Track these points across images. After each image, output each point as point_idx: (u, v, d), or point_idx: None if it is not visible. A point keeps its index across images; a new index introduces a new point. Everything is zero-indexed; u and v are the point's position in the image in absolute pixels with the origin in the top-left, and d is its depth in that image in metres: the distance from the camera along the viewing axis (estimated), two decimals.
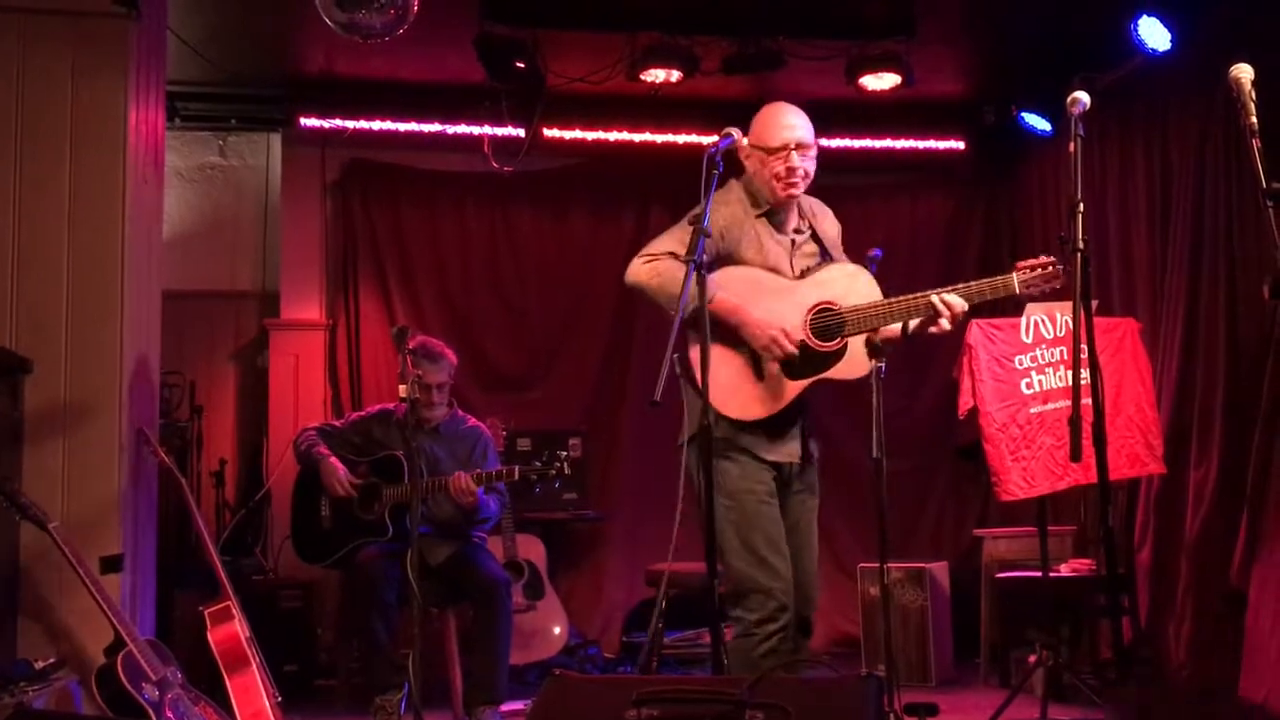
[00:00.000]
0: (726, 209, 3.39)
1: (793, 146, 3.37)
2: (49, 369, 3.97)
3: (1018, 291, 3.32)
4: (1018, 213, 6.87)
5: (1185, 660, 4.89)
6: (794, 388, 3.33)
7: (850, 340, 3.34)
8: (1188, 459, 5.01)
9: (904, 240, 6.84)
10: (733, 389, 3.31)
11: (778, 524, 3.32)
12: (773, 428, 3.35)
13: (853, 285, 3.41)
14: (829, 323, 3.34)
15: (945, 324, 3.30)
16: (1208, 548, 4.87)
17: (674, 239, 3.34)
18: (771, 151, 3.38)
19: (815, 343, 3.32)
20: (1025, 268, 3.31)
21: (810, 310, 3.34)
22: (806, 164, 3.40)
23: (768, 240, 3.43)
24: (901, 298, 3.34)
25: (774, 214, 3.46)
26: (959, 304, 3.30)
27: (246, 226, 6.72)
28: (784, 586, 3.26)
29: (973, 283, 3.36)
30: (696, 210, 3.16)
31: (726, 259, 3.38)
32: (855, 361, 3.36)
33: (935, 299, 3.30)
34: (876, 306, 3.35)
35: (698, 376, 3.10)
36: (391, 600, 4.57)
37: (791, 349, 3.28)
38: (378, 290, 6.59)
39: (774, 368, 3.32)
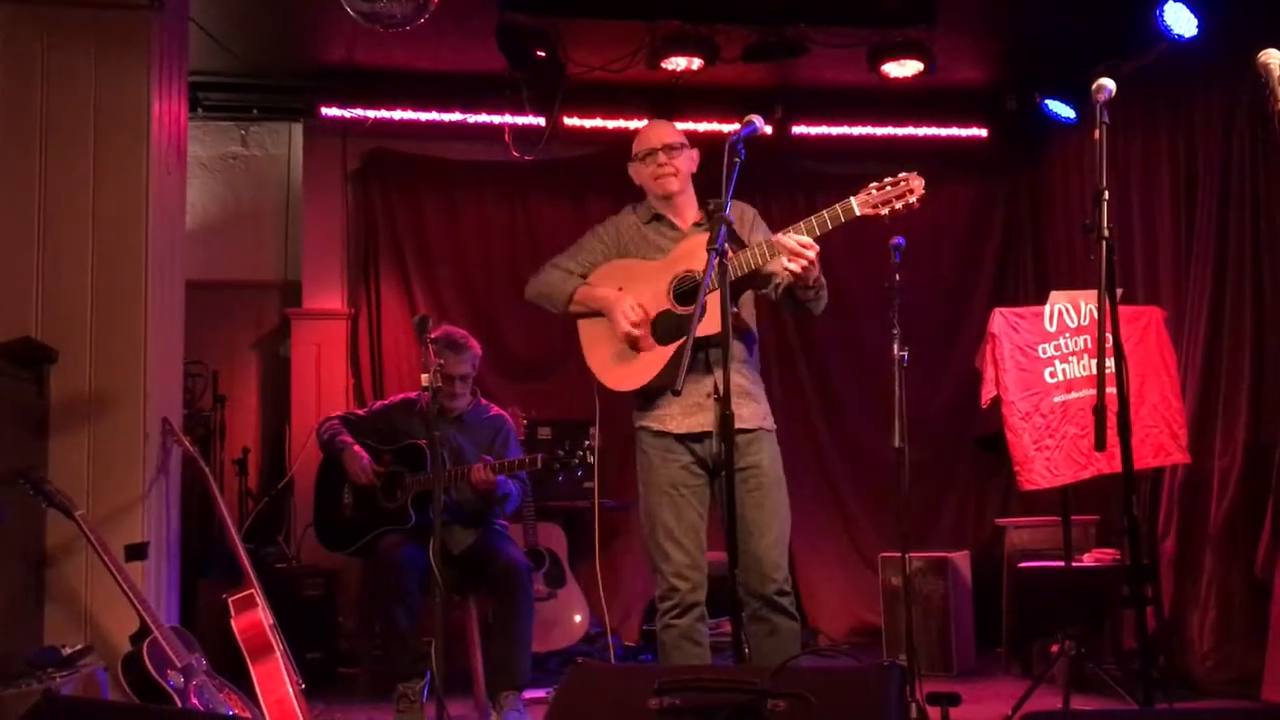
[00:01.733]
0: (615, 226, 3.83)
1: (659, 148, 3.71)
2: (74, 359, 4.00)
3: (858, 213, 3.33)
4: (1040, 200, 6.83)
5: (1209, 651, 4.86)
6: (664, 353, 3.55)
7: (709, 299, 3.29)
8: (1212, 448, 4.97)
9: (926, 228, 6.80)
10: (612, 364, 3.62)
11: (678, 513, 3.52)
12: (680, 400, 3.45)
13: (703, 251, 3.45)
14: (687, 287, 3.54)
15: (791, 265, 3.31)
16: (1232, 538, 4.84)
17: (566, 254, 3.83)
18: (642, 158, 3.75)
19: (677, 308, 3.54)
20: (868, 190, 3.34)
21: (673, 280, 3.57)
22: (676, 161, 3.71)
23: (654, 236, 3.73)
24: (745, 249, 3.45)
25: (662, 217, 3.75)
26: (791, 241, 3.31)
27: (268, 216, 6.75)
28: (674, 569, 3.49)
29: (811, 215, 3.38)
30: (599, 226, 3.81)
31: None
32: (711, 319, 3.33)
33: (770, 240, 3.40)
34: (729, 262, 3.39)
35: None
36: (414, 588, 4.58)
37: (631, 320, 3.54)
38: (399, 279, 6.60)
39: (648, 341, 3.57)
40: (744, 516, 3.47)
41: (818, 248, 3.33)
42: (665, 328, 3.57)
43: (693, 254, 3.53)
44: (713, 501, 3.61)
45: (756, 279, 3.55)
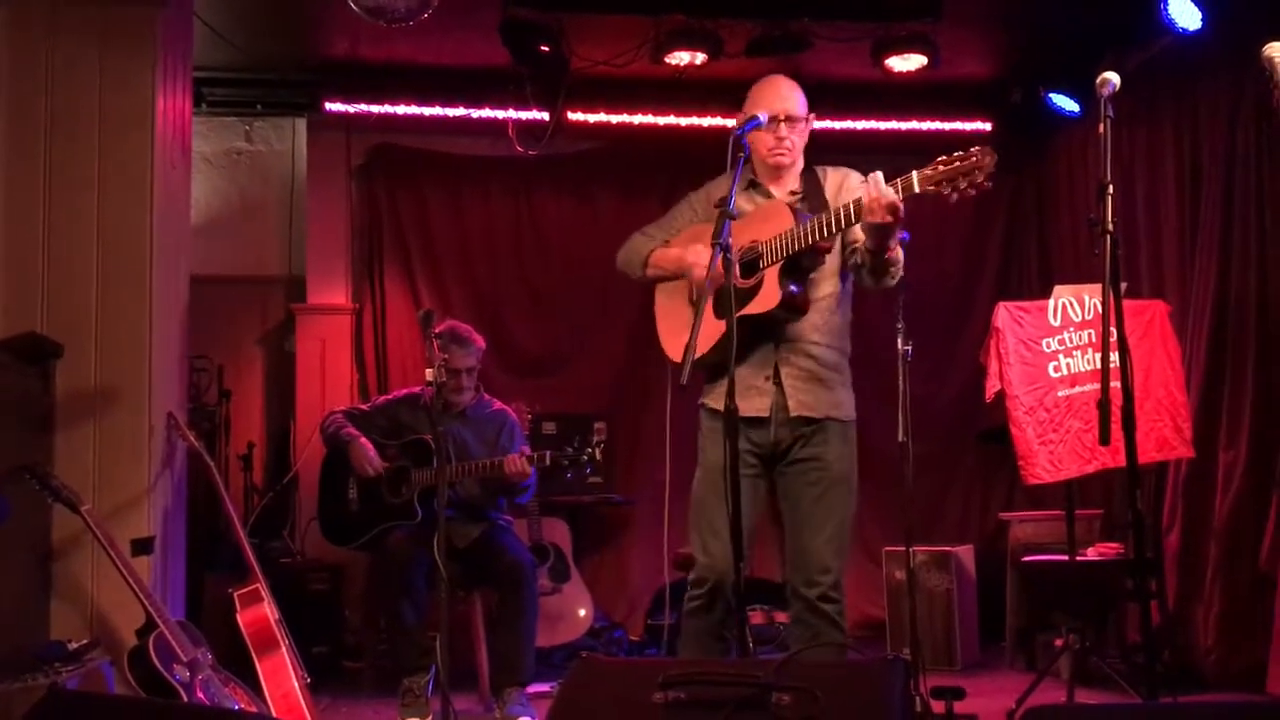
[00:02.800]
0: (708, 191, 3.55)
1: (781, 117, 3.42)
2: (79, 354, 4.01)
3: (916, 190, 3.03)
4: (1045, 194, 6.82)
5: (1213, 645, 4.86)
6: (719, 327, 3.22)
7: (766, 274, 3.25)
8: (1217, 442, 4.96)
9: (930, 221, 6.79)
10: (674, 333, 3.40)
11: (719, 507, 3.12)
12: (739, 380, 3.11)
13: (776, 219, 3.30)
14: (749, 259, 3.31)
15: (878, 217, 3.04)
16: (1237, 532, 4.84)
17: (656, 222, 3.67)
18: (764, 124, 3.40)
19: (740, 281, 3.25)
20: (934, 164, 3.04)
21: (739, 250, 3.28)
22: (794, 136, 3.45)
23: (741, 201, 3.41)
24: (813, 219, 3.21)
25: (758, 185, 3.51)
26: (879, 193, 3.04)
27: (273, 211, 6.76)
28: (709, 560, 3.30)
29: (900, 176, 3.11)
30: (691, 194, 3.51)
31: None
32: (766, 294, 3.26)
33: (840, 207, 3.17)
34: (787, 233, 3.23)
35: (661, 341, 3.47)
36: (419, 583, 4.59)
37: (701, 272, 3.26)
38: (403, 274, 6.61)
39: (709, 312, 3.27)
40: (799, 510, 3.35)
41: (900, 204, 3.05)
42: (723, 300, 3.23)
43: (767, 219, 3.31)
44: (770, 494, 3.44)
45: (833, 247, 3.33)
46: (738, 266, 3.25)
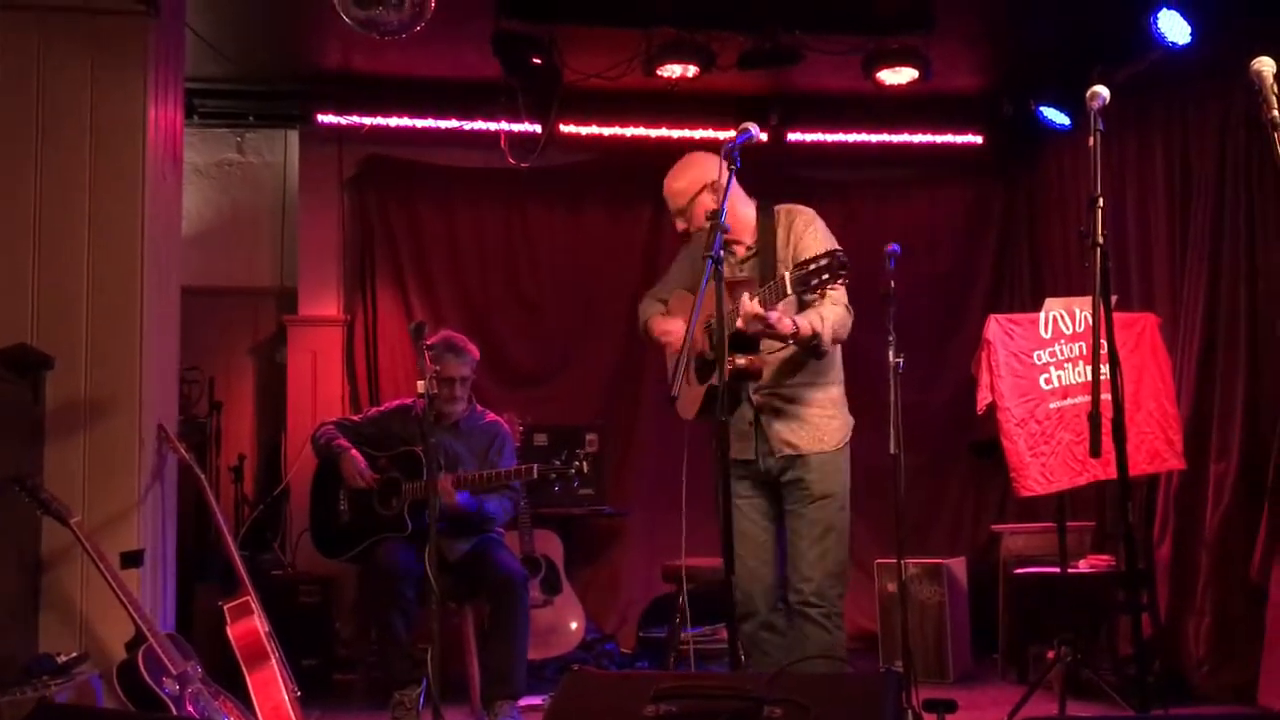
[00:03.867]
0: (695, 244, 3.69)
1: (672, 211, 3.80)
2: (70, 365, 4.00)
3: (790, 293, 3.30)
4: (1036, 207, 6.84)
5: (1204, 656, 4.87)
6: (698, 393, 3.67)
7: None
8: (1208, 454, 4.98)
9: (922, 235, 6.82)
10: (679, 393, 3.55)
11: (739, 526, 3.55)
12: (733, 426, 3.55)
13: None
14: (700, 349, 3.63)
15: (753, 327, 3.35)
16: (1228, 543, 4.84)
17: (659, 283, 4.01)
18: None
19: (708, 351, 3.58)
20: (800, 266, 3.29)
21: (707, 322, 3.50)
22: (687, 215, 3.75)
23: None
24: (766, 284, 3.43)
25: (726, 244, 3.66)
26: (745, 309, 3.33)
27: (264, 223, 6.75)
28: (736, 580, 3.36)
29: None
30: (683, 248, 3.76)
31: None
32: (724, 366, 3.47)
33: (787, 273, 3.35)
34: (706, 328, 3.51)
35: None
36: (410, 596, 4.58)
37: (676, 347, 3.59)
38: (395, 286, 6.61)
39: (690, 377, 3.66)
40: (789, 528, 3.67)
41: (768, 316, 3.32)
42: (700, 366, 3.67)
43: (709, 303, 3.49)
44: (779, 515, 3.71)
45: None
46: (691, 367, 3.64)
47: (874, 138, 6.54)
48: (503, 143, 6.31)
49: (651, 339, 3.92)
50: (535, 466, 4.73)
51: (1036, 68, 5.98)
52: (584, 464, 4.73)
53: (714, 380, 3.47)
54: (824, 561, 3.60)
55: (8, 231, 4.02)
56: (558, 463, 4.74)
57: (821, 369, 3.68)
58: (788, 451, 3.61)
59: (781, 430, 3.62)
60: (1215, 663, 4.83)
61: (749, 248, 3.73)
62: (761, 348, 3.58)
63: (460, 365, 4.85)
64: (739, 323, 3.35)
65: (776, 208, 3.75)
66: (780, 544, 3.69)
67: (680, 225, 3.80)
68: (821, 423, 3.66)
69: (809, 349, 3.56)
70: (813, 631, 3.56)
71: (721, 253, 3.18)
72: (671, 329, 3.78)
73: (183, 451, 4.24)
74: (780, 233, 3.69)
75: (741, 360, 3.53)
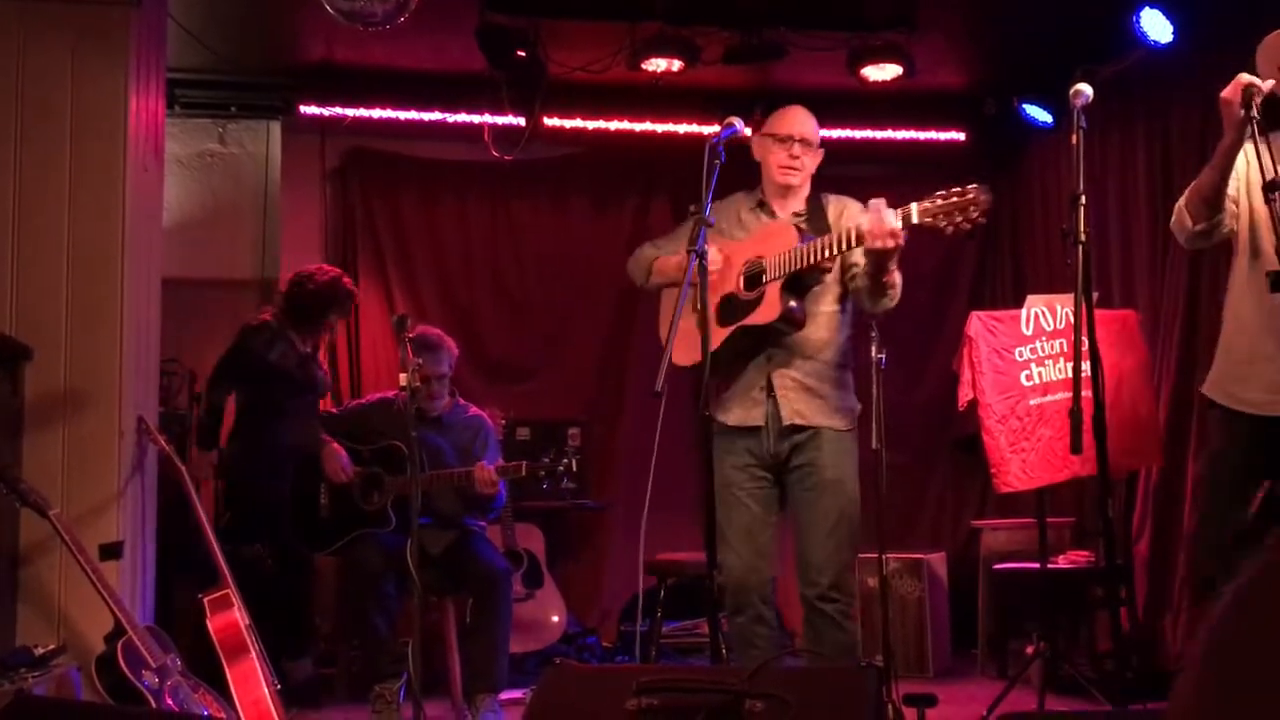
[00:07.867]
0: (717, 208, 3.54)
1: (796, 138, 3.65)
2: (49, 356, 3.97)
3: (915, 221, 3.16)
4: (1018, 204, 6.86)
5: (1182, 652, 4.90)
6: (719, 334, 3.46)
7: (769, 288, 3.43)
8: (1186, 451, 5.01)
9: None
10: (683, 338, 3.34)
11: (729, 514, 3.47)
12: (735, 391, 3.54)
13: (781, 237, 3.50)
14: (754, 272, 3.52)
15: (880, 242, 3.18)
16: None
17: (665, 235, 3.89)
18: (778, 140, 3.66)
19: (741, 292, 3.51)
20: (932, 198, 3.15)
21: (744, 264, 3.54)
22: (806, 158, 3.67)
23: (747, 216, 3.72)
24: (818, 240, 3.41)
25: (766, 204, 3.71)
26: (881, 220, 3.17)
27: (246, 214, 6.70)
28: (725, 572, 3.39)
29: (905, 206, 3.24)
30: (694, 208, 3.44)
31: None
32: (767, 307, 3.45)
33: (844, 231, 3.33)
34: (792, 251, 3.42)
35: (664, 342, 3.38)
36: (391, 590, 4.57)
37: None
38: (377, 278, 6.58)
39: (714, 320, 3.45)
40: (799, 515, 3.54)
41: (900, 232, 3.18)
42: (726, 311, 3.54)
43: (772, 236, 3.53)
44: (781, 502, 3.60)
45: (834, 267, 3.53)
46: (742, 280, 3.53)
47: (857, 134, 6.54)
48: (486, 136, 6.30)
49: (661, 276, 3.74)
50: (524, 464, 4.72)
51: (1020, 66, 6.01)
52: (573, 463, 4.75)
53: (748, 320, 3.40)
54: (840, 553, 3.52)
55: None
56: (547, 459, 4.74)
57: (844, 349, 3.64)
58: (798, 421, 3.49)
59: (795, 399, 3.50)
60: None
61: (797, 213, 3.66)
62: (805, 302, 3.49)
63: (438, 363, 4.83)
64: (869, 239, 3.16)
65: (824, 194, 3.74)
66: (781, 538, 3.61)
67: (793, 157, 3.63)
68: (838, 403, 3.59)
69: (881, 293, 3.45)
70: (830, 633, 3.46)
71: (705, 247, 3.19)
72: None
73: (163, 443, 4.22)
74: (831, 212, 3.66)
75: (794, 302, 3.44)
